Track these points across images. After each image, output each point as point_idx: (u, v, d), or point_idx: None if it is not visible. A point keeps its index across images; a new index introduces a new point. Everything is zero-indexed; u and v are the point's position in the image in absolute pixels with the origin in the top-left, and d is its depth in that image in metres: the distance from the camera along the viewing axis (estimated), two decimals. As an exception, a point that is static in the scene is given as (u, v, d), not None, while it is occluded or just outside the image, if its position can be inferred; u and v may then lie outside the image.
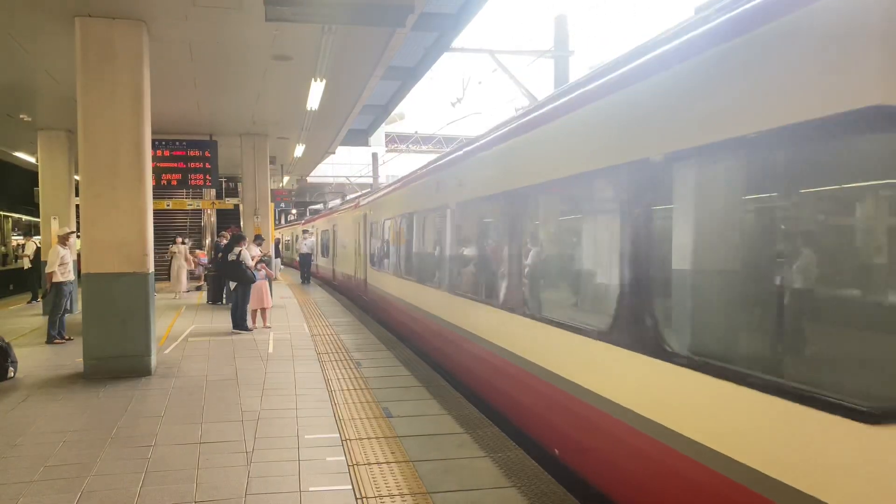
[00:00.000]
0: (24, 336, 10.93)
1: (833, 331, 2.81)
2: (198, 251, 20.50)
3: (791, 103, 2.75)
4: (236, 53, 9.16)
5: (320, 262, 26.32)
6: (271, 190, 18.36)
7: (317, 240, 27.23)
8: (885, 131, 2.41)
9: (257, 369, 8.29)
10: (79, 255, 11.24)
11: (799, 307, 2.91)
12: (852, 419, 2.45)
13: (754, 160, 3.08)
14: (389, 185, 14.16)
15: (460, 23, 11.10)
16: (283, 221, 48.36)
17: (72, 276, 10.34)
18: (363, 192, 23.78)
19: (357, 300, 16.91)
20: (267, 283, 11.98)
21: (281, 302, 16.07)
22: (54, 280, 9.90)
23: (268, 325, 11.78)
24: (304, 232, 29.33)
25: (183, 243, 18.05)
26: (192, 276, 20.58)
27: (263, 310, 11.71)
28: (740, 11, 3.18)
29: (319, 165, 24.57)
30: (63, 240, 10.31)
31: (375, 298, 13.98)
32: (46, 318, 10.65)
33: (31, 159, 17.36)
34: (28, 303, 16.16)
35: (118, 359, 7.84)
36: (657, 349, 3.61)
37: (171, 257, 17.58)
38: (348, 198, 32.21)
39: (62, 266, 9.98)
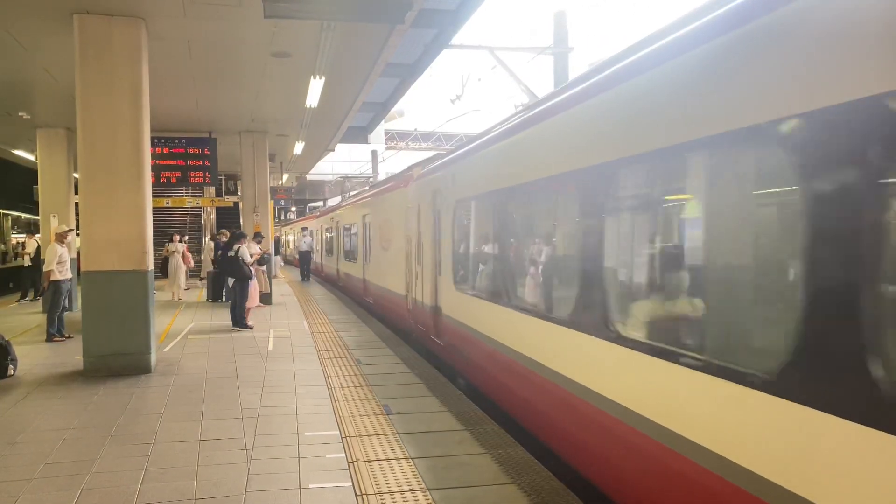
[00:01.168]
0: (23, 334, 10.93)
1: None
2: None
3: None
4: (235, 50, 9.15)
5: (343, 268, 19.29)
6: (270, 187, 18.33)
7: (336, 238, 20.80)
8: None
9: (257, 367, 8.29)
10: (78, 253, 11.23)
11: None
12: None
13: None
14: (499, 125, 7.15)
15: (459, 19, 11.09)
16: (283, 218, 48.19)
17: (69, 274, 10.34)
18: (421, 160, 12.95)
19: (416, 337, 10.23)
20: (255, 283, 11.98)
21: (281, 300, 16.07)
22: (52, 278, 9.91)
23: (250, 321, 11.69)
24: (303, 230, 29.24)
25: (181, 241, 17.78)
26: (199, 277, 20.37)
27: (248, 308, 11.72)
28: None
29: (319, 163, 24.55)
30: (61, 238, 10.31)
31: (470, 351, 7.30)
32: (45, 316, 10.65)
33: (31, 157, 17.34)
34: (17, 301, 16.16)
35: (118, 356, 7.83)
36: None
37: (169, 256, 17.04)
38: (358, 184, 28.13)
39: (60, 264, 9.98)
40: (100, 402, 6.65)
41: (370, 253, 14.62)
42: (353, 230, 17.36)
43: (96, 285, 7.86)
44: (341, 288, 19.85)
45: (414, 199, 10.33)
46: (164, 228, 20.57)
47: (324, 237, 24.91)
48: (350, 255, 17.95)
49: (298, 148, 17.71)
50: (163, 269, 17.63)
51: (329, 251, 23.18)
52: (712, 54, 3.32)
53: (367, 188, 21.86)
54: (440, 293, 8.64)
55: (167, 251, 16.99)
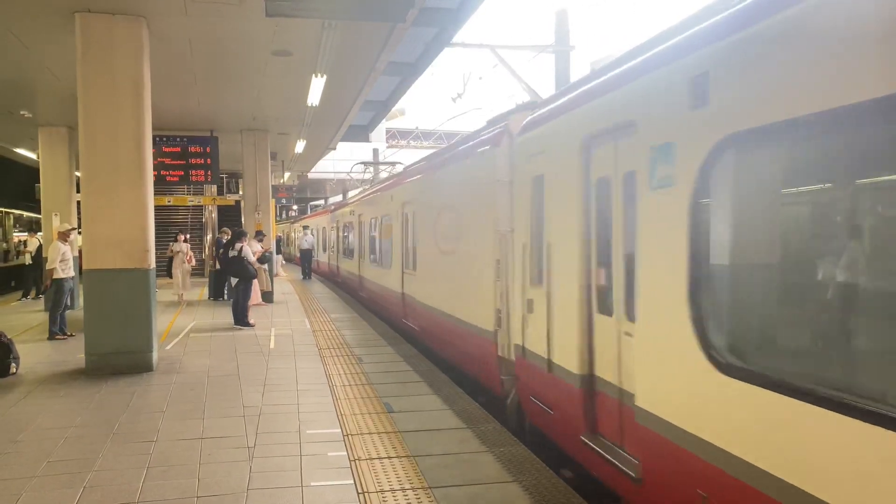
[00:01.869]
0: (25, 332, 10.95)
1: None
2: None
3: None
4: (236, 49, 9.15)
5: (368, 275, 15.02)
6: (272, 186, 18.30)
7: (359, 236, 16.41)
8: None
9: (259, 365, 8.30)
10: (80, 251, 11.26)
11: None
12: None
13: None
14: None
15: (460, 18, 11.09)
16: (286, 216, 48.04)
17: (72, 273, 10.37)
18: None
19: (529, 421, 6.04)
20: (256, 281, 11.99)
21: (282, 298, 16.08)
22: (55, 276, 9.93)
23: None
24: (305, 228, 29.40)
25: (185, 241, 17.45)
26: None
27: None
28: None
29: (320, 161, 24.56)
30: (64, 236, 10.34)
31: None
32: (48, 314, 10.68)
33: (32, 156, 17.35)
34: (19, 300, 16.18)
35: (119, 355, 7.84)
36: None
37: (173, 256, 16.46)
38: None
39: (63, 262, 10.00)
40: (102, 401, 6.66)
41: (415, 258, 10.39)
42: (385, 226, 13.06)
43: (98, 283, 7.87)
44: (364, 300, 15.48)
45: (516, 168, 6.21)
46: (166, 227, 20.58)
47: (340, 235, 20.39)
48: (379, 260, 13.49)
49: (300, 146, 17.71)
50: (166, 268, 17.50)
51: (347, 252, 18.65)
52: None
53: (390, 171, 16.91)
54: (615, 355, 4.38)
55: (171, 251, 16.76)
